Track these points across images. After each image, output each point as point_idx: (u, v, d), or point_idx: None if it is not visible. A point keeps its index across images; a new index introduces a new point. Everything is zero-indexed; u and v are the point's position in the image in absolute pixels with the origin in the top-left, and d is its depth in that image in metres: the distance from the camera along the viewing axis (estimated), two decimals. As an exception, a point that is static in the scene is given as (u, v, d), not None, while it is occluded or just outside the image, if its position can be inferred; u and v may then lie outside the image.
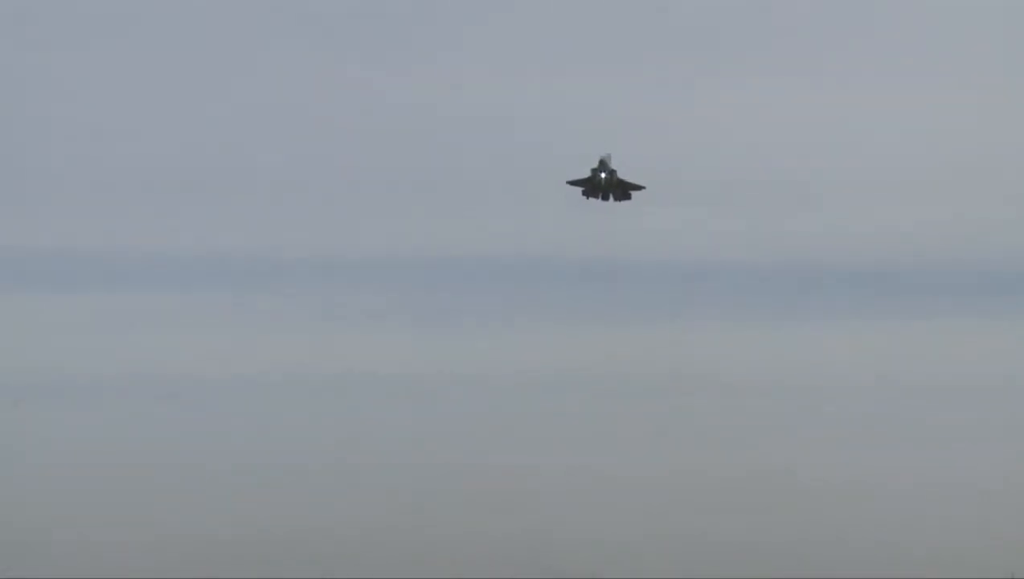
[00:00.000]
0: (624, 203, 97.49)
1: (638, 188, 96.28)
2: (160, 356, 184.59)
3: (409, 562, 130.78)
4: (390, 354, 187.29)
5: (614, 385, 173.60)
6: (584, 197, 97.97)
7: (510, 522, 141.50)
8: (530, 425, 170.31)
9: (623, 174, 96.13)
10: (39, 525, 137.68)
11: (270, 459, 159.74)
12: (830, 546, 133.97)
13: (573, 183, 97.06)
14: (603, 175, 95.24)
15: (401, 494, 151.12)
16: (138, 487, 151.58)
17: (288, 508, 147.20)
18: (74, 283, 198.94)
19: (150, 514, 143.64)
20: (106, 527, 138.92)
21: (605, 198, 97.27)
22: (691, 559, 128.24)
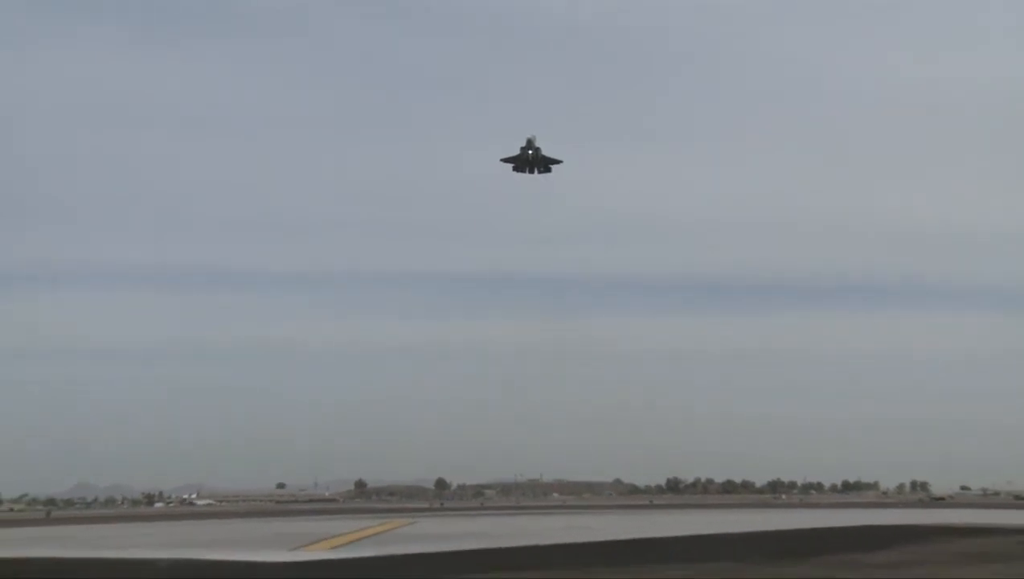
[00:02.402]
0: (546, 175, 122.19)
1: (557, 162, 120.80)
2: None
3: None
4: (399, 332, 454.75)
5: (552, 356, 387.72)
6: (513, 172, 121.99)
7: (479, 432, 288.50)
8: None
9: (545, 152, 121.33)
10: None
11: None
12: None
13: (505, 160, 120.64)
14: (530, 152, 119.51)
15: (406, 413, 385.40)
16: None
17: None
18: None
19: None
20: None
21: (531, 172, 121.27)
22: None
